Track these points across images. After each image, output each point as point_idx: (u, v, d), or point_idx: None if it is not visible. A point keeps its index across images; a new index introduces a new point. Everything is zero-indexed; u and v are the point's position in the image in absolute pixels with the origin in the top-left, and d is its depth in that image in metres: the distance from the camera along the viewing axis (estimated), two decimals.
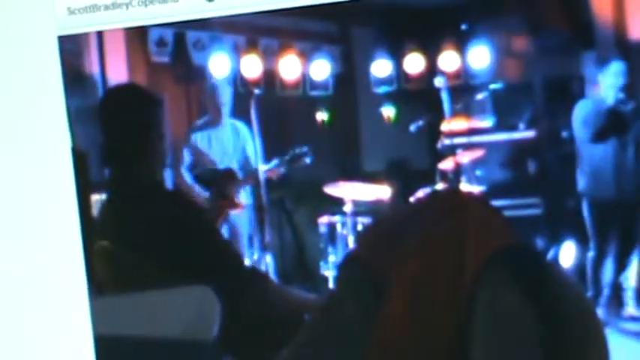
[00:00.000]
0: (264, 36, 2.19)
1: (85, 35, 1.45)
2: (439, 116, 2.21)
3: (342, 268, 1.06)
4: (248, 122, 2.20)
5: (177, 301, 1.60)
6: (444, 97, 2.19)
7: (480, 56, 2.07)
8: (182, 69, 2.26)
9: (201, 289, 1.62)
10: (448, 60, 2.12)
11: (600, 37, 1.99)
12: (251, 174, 2.20)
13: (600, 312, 1.94)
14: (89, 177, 1.59)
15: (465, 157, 2.22)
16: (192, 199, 2.16)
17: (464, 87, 2.17)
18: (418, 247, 0.98)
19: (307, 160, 2.19)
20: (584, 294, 1.77)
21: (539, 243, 2.01)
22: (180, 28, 2.10)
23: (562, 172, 2.12)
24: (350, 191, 2.22)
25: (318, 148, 2.23)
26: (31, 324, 1.41)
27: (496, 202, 1.95)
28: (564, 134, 2.08)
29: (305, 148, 2.19)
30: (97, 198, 1.74)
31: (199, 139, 2.22)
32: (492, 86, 2.20)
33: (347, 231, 2.23)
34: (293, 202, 2.35)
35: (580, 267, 2.08)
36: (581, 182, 2.06)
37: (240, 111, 2.20)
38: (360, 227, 2.22)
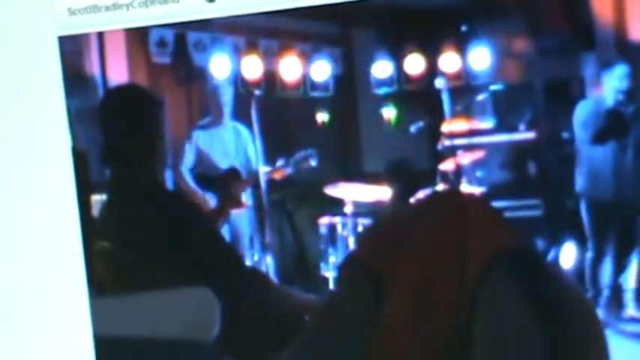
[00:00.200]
0: (264, 37, 2.19)
1: (86, 36, 1.45)
2: (439, 117, 2.21)
3: (343, 268, 1.06)
4: (249, 124, 2.20)
5: (178, 301, 1.60)
6: (445, 98, 2.19)
7: (481, 57, 2.07)
8: (183, 70, 2.26)
9: (201, 290, 1.62)
10: (448, 61, 2.12)
11: (601, 39, 1.99)
12: (254, 174, 2.21)
13: (600, 313, 1.94)
14: (89, 177, 1.59)
15: (465, 158, 2.22)
16: (193, 199, 2.16)
17: (464, 88, 2.16)
18: (419, 248, 0.98)
19: (313, 162, 2.20)
20: (585, 295, 1.77)
21: (540, 244, 2.01)
22: (181, 28, 2.10)
23: (562, 173, 2.12)
24: (350, 192, 2.22)
25: (318, 149, 2.23)
26: (31, 324, 1.41)
27: (496, 204, 1.96)
28: (565, 135, 2.08)
29: (311, 150, 2.19)
30: (97, 198, 1.74)
31: (201, 138, 2.22)
32: (493, 87, 2.20)
33: (347, 232, 2.23)
34: (293, 202, 2.35)
35: (580, 268, 2.08)
36: (580, 183, 2.06)
37: (240, 112, 2.20)
38: (360, 228, 2.22)
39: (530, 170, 2.21)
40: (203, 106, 2.27)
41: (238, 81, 2.16)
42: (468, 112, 2.25)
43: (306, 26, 2.00)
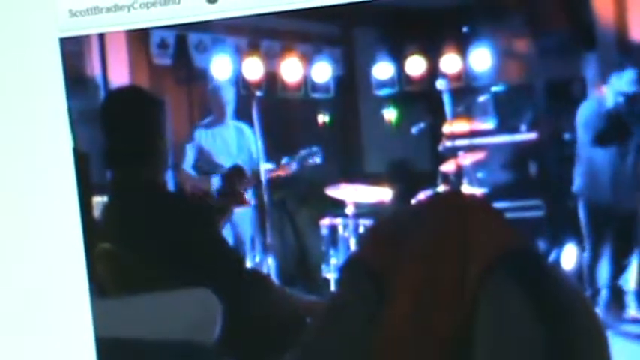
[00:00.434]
0: (265, 38, 2.20)
1: (87, 37, 1.45)
2: (441, 118, 2.21)
3: (344, 270, 1.06)
4: (251, 124, 2.20)
5: (179, 303, 1.60)
6: (446, 99, 2.19)
7: (482, 58, 2.07)
8: (184, 71, 2.26)
9: (202, 291, 1.62)
10: (449, 62, 2.12)
11: (602, 39, 1.99)
12: (257, 173, 2.21)
13: (601, 314, 1.94)
14: (91, 179, 1.59)
15: (466, 160, 2.22)
16: (194, 200, 2.16)
17: (465, 89, 2.17)
18: (420, 249, 0.98)
19: (318, 160, 2.20)
20: (585, 296, 1.77)
21: (541, 245, 2.01)
22: (182, 30, 2.10)
23: (563, 174, 2.12)
24: (352, 193, 2.22)
25: (315, 144, 2.22)
26: (33, 326, 1.41)
27: (498, 205, 1.95)
28: (566, 136, 2.08)
29: (316, 148, 2.20)
30: (98, 200, 1.74)
31: (203, 137, 2.22)
32: (494, 88, 2.20)
33: (349, 233, 2.23)
34: (295, 204, 2.35)
35: (581, 269, 2.08)
36: (577, 183, 2.06)
37: (242, 113, 2.20)
38: (361, 229, 2.22)
39: (531, 171, 2.21)
40: (204, 107, 2.27)
41: (239, 82, 2.16)
42: (469, 113, 2.25)
43: (307, 27, 2.00)
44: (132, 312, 1.59)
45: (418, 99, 2.23)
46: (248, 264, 2.20)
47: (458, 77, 2.13)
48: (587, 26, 1.98)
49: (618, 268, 2.05)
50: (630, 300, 2.03)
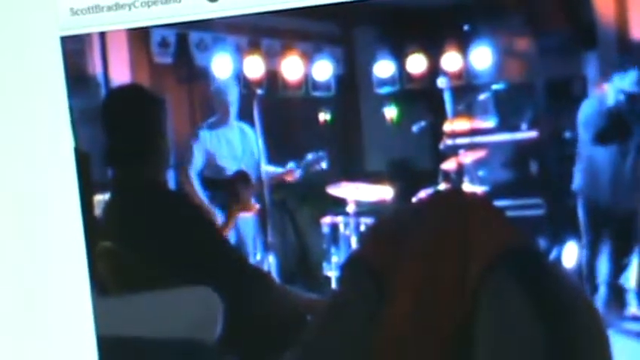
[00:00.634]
0: (266, 37, 2.20)
1: (88, 36, 1.45)
2: (441, 117, 2.21)
3: (345, 268, 1.06)
4: (252, 124, 2.20)
5: (180, 301, 1.60)
6: (447, 97, 2.19)
7: (482, 57, 2.07)
8: (185, 70, 2.26)
9: (203, 290, 1.62)
10: (450, 60, 2.12)
11: (603, 38, 1.99)
12: (260, 177, 2.21)
13: (602, 312, 1.94)
14: (92, 177, 1.59)
15: (467, 158, 2.22)
16: (195, 199, 2.16)
17: (466, 87, 2.17)
18: (421, 248, 0.98)
19: (324, 165, 2.20)
20: (587, 294, 1.77)
21: (542, 243, 2.01)
22: (183, 28, 2.10)
23: (564, 172, 2.12)
24: (352, 191, 2.22)
25: (320, 148, 2.23)
26: (34, 324, 1.41)
27: (498, 203, 1.95)
28: (567, 135, 2.08)
29: (322, 153, 2.20)
30: (99, 198, 1.74)
31: (208, 139, 2.22)
32: (495, 87, 2.20)
33: (349, 231, 2.23)
34: (295, 202, 2.35)
35: (582, 267, 2.08)
36: (577, 181, 2.06)
37: (245, 113, 2.21)
38: (362, 228, 2.22)
39: (532, 169, 2.21)
40: (206, 106, 2.27)
41: (240, 81, 2.16)
42: (469, 112, 2.25)
43: (308, 26, 2.00)
44: (133, 310, 1.59)
45: (419, 97, 2.23)
46: (249, 262, 2.20)
47: (459, 75, 2.13)
48: (588, 25, 1.98)
49: (619, 267, 2.05)
50: (631, 298, 2.03)
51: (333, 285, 2.24)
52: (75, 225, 1.40)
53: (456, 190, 1.88)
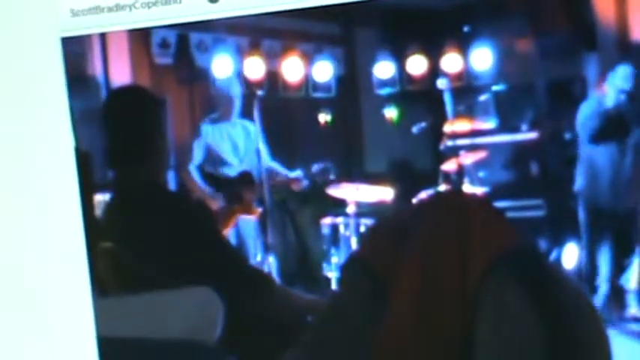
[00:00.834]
0: (266, 37, 2.20)
1: (88, 37, 1.45)
2: (442, 118, 2.21)
3: (345, 269, 1.07)
4: (254, 123, 2.20)
5: (181, 302, 1.60)
6: (447, 98, 2.19)
7: (483, 58, 2.07)
8: (185, 70, 2.26)
9: (204, 291, 1.62)
10: (451, 62, 2.12)
11: (603, 39, 1.99)
12: (262, 177, 2.20)
13: (602, 313, 1.94)
14: (92, 178, 1.59)
15: (467, 159, 2.22)
16: (196, 199, 2.16)
17: (466, 88, 2.16)
18: (421, 249, 0.98)
19: (332, 176, 2.21)
20: (587, 295, 1.77)
21: (542, 244, 2.01)
22: (184, 29, 2.10)
23: (565, 173, 2.12)
24: (353, 192, 2.22)
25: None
26: (34, 325, 1.41)
27: (499, 204, 1.95)
28: (567, 136, 2.08)
29: (329, 164, 2.20)
30: (100, 199, 1.74)
31: (210, 133, 2.22)
32: (495, 88, 2.20)
33: (350, 232, 2.23)
34: (296, 203, 2.35)
35: (582, 268, 2.08)
36: (579, 182, 2.06)
37: (246, 113, 2.21)
38: (362, 228, 2.22)
39: (532, 170, 2.21)
40: (208, 105, 2.27)
41: (241, 81, 2.17)
42: (470, 113, 2.25)
43: (308, 27, 2.00)
44: (133, 311, 1.59)
45: (419, 98, 2.23)
46: (250, 263, 2.20)
47: (459, 76, 2.13)
48: (588, 26, 1.98)
49: (619, 268, 2.05)
50: (631, 299, 2.03)
51: (334, 286, 2.24)
52: (75, 225, 1.40)
53: (456, 191, 1.88)
